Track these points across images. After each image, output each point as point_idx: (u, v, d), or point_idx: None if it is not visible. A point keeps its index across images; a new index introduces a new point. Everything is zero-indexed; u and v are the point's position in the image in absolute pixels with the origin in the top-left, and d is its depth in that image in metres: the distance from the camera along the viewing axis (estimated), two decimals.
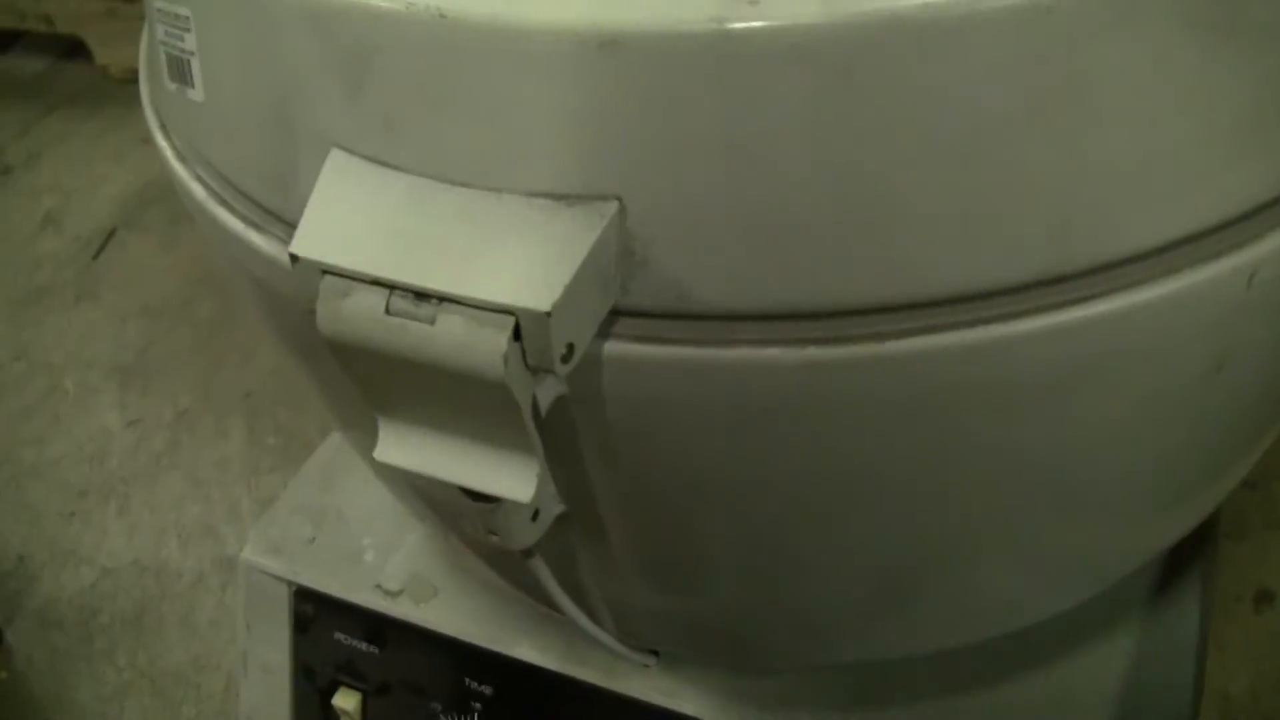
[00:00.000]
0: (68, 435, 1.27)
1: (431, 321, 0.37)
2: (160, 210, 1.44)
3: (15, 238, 1.43)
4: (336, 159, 0.40)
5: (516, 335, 0.36)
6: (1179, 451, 0.49)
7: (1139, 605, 0.69)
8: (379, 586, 0.73)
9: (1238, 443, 0.54)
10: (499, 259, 0.37)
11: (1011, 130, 0.36)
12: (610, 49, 0.35)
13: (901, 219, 0.37)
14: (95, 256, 1.38)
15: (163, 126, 0.51)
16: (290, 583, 0.75)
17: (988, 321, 0.38)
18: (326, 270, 0.38)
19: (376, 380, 0.40)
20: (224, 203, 0.47)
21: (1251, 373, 0.46)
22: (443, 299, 0.37)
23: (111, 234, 1.41)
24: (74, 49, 1.68)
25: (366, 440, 0.44)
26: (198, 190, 0.48)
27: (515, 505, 0.41)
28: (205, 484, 1.23)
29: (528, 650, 0.69)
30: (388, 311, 0.37)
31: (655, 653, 0.66)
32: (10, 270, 1.39)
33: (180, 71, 0.46)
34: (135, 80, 1.43)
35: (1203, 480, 0.56)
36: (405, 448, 0.42)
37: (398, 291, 0.37)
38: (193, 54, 0.45)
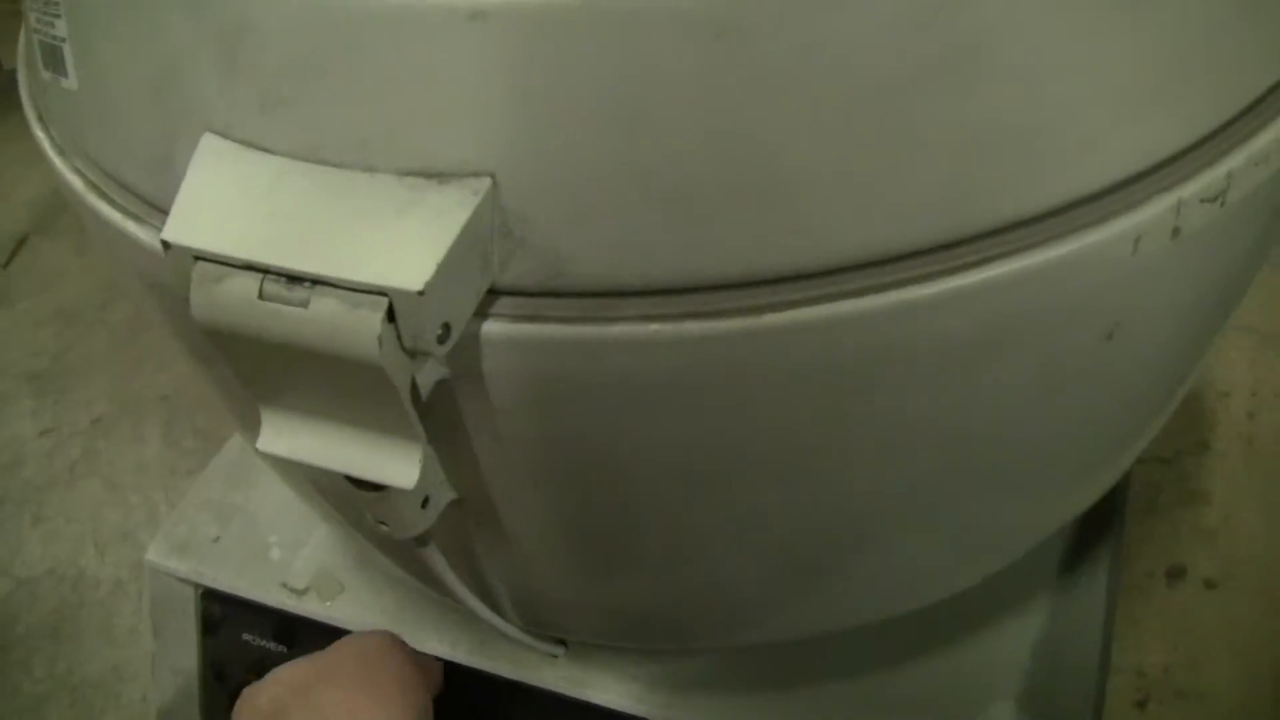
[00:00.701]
0: None
1: (305, 305, 0.36)
2: (73, 215, 1.42)
3: None
4: (209, 143, 0.40)
5: (391, 317, 0.35)
6: (1076, 419, 0.49)
7: (1048, 581, 0.70)
8: (285, 585, 0.72)
9: (1135, 411, 0.54)
10: (371, 240, 0.36)
11: (898, 94, 0.36)
12: (478, 20, 0.35)
13: (783, 187, 0.37)
14: (6, 264, 1.36)
15: (41, 119, 0.50)
16: (196, 584, 0.74)
17: (871, 291, 0.38)
18: (199, 256, 0.37)
19: (256, 368, 0.40)
20: (103, 195, 0.46)
21: (1142, 341, 0.46)
22: (316, 282, 0.36)
23: (23, 240, 1.39)
24: None
25: (252, 431, 0.43)
26: (76, 183, 0.47)
27: (402, 493, 0.41)
28: (122, 489, 1.21)
29: (436, 644, 0.68)
30: (261, 296, 0.37)
31: (563, 643, 0.66)
32: None
33: (54, 59, 0.45)
34: None
35: (1104, 449, 0.56)
36: (288, 437, 0.41)
37: (270, 275, 0.36)
38: (64, 40, 0.44)
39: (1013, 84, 0.37)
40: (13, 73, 1.47)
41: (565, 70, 0.35)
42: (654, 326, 0.38)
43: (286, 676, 0.54)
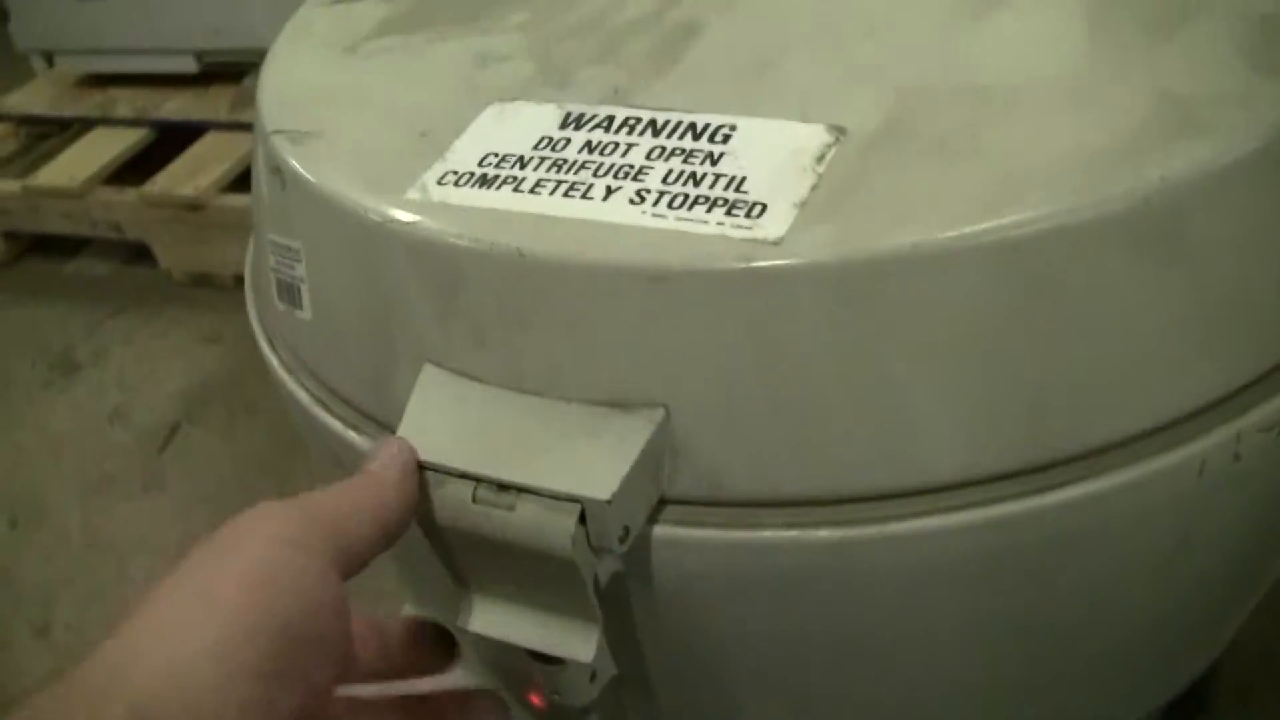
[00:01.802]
0: None
1: (511, 508, 0.44)
2: (220, 405, 1.52)
3: (86, 430, 1.51)
4: (429, 372, 0.48)
5: (582, 520, 0.44)
6: (1158, 613, 0.56)
7: None
8: None
9: (1213, 607, 0.61)
10: (567, 456, 0.44)
11: (994, 341, 0.44)
12: (660, 283, 0.44)
13: (900, 419, 0.45)
14: (161, 449, 1.46)
15: (269, 340, 0.60)
16: None
17: (970, 506, 0.46)
18: (423, 466, 0.46)
19: (463, 558, 0.48)
20: (326, 407, 0.55)
21: (1216, 546, 0.53)
22: (520, 490, 0.44)
23: (176, 428, 1.49)
24: (139, 253, 1.77)
25: (439, 611, 0.51)
26: (303, 396, 0.56)
27: (578, 666, 0.48)
28: None
29: None
30: (474, 500, 0.45)
31: None
32: (82, 460, 1.46)
33: (290, 294, 0.55)
34: (195, 283, 1.52)
35: (1186, 639, 0.62)
36: (486, 617, 0.49)
37: (483, 484, 0.45)
38: (303, 280, 0.54)
39: (1088, 335, 0.45)
40: (168, 272, 1.57)
41: (728, 325, 0.44)
42: (792, 533, 0.46)
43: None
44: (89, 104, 1.87)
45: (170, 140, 1.77)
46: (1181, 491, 0.48)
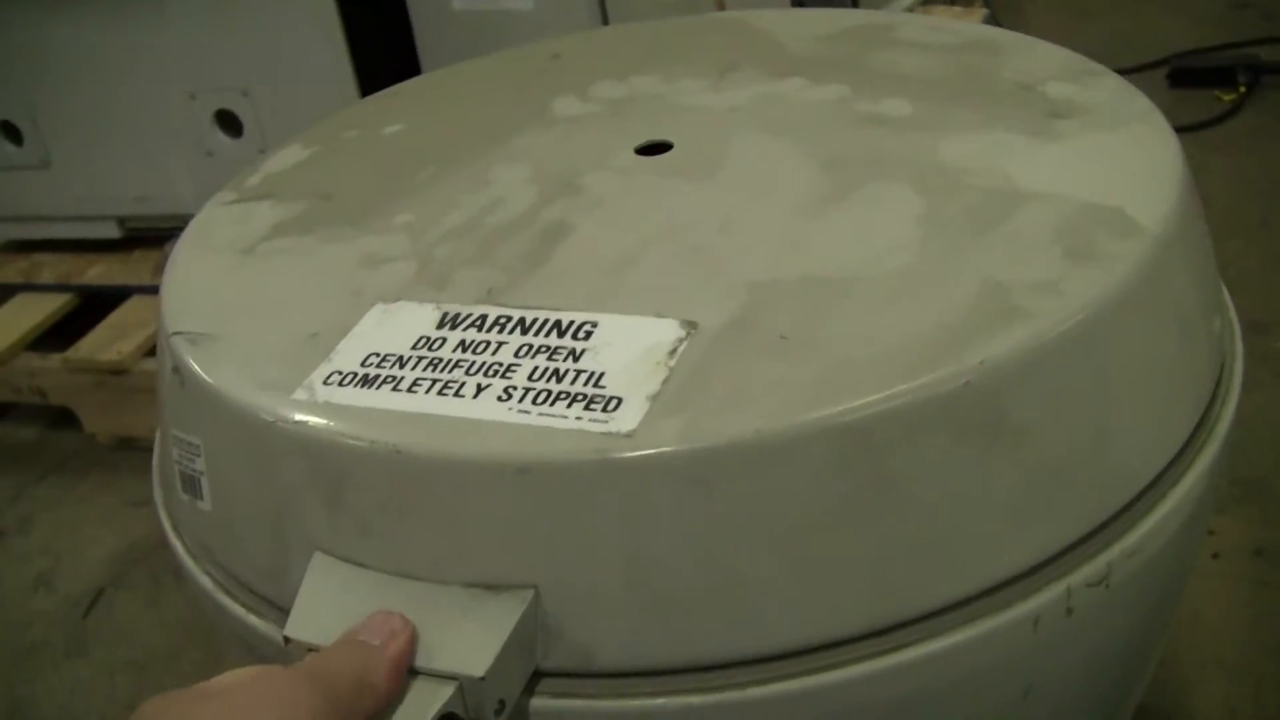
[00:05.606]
0: None
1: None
2: (145, 569, 1.53)
3: (8, 599, 1.52)
4: (319, 560, 0.52)
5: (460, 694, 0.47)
6: None
7: None
8: None
9: None
10: (444, 636, 0.48)
11: (833, 518, 0.48)
12: (524, 474, 0.48)
13: (751, 593, 0.49)
14: (85, 615, 1.47)
15: (175, 528, 0.63)
16: None
17: (823, 670, 0.49)
18: (311, 648, 0.49)
19: None
20: (227, 592, 0.58)
21: (1056, 697, 0.57)
22: None
23: (100, 593, 1.50)
24: (63, 417, 1.79)
25: None
26: (206, 582, 0.59)
27: None
28: None
29: None
30: None
31: None
32: (3, 630, 1.47)
33: (191, 486, 0.58)
34: (121, 447, 1.54)
35: None
36: None
37: None
38: (202, 473, 0.57)
39: (920, 508, 0.49)
40: (93, 436, 1.59)
41: (587, 510, 0.48)
42: (659, 700, 0.49)
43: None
44: (12, 270, 1.89)
45: (94, 305, 1.80)
46: (1019, 646, 0.52)
